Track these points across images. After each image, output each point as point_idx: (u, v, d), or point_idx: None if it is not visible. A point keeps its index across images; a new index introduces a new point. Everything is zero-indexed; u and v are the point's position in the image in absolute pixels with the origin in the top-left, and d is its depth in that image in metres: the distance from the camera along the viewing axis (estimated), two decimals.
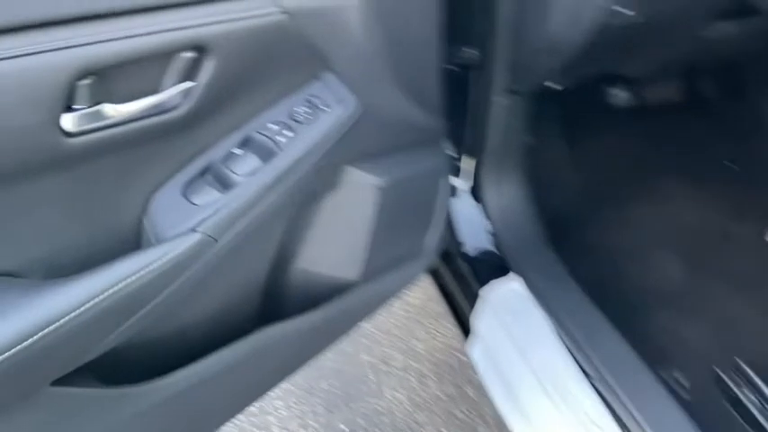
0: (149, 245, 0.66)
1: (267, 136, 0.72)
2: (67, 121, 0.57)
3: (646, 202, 1.29)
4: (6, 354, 0.53)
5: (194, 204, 0.68)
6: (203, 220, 0.67)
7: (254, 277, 0.85)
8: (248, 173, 0.70)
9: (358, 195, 0.87)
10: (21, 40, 0.53)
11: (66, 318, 0.57)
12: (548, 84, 1.00)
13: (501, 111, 1.03)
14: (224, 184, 0.70)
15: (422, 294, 1.64)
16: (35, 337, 0.55)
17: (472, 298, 1.12)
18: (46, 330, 0.55)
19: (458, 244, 1.17)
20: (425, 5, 0.80)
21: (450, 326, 1.55)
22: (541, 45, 0.90)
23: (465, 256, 1.16)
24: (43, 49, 0.54)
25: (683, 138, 1.37)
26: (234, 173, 0.70)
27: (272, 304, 0.88)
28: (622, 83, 1.27)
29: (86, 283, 0.59)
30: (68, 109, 0.57)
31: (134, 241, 0.70)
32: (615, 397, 0.89)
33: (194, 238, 0.66)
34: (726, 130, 1.38)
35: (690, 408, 0.86)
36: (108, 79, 0.59)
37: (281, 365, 0.94)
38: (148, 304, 0.64)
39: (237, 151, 0.71)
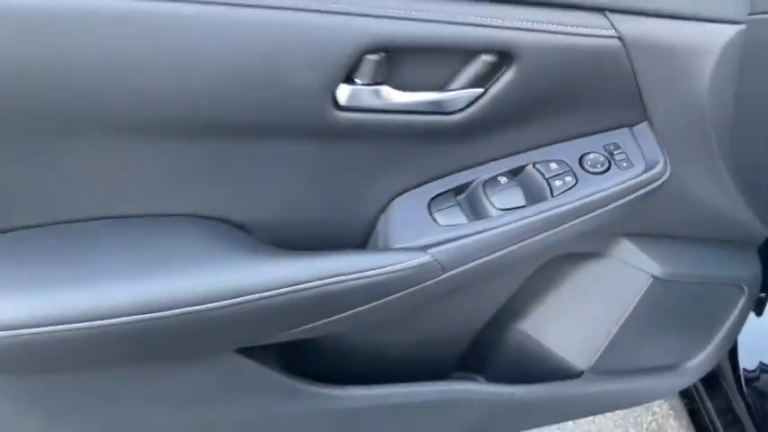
0: (376, 247, 0.61)
1: (543, 174, 0.60)
2: (343, 93, 0.52)
3: None
4: (200, 307, 0.51)
5: (436, 222, 0.60)
6: (438, 244, 0.58)
7: (469, 325, 0.75)
8: (506, 208, 0.59)
9: (624, 276, 0.72)
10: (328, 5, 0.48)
11: (270, 292, 0.53)
12: None
13: None
14: (475, 212, 0.61)
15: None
16: (235, 300, 0.52)
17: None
18: (247, 297, 0.53)
19: (740, 383, 0.95)
20: None
21: None
22: None
23: (747, 396, 0.95)
24: (337, 10, 0.48)
25: None
26: (491, 203, 0.59)
27: (477, 357, 0.80)
28: None
29: (302, 265, 0.55)
30: (347, 80, 0.51)
31: (363, 235, 0.63)
32: None
33: (423, 259, 0.57)
34: None
35: None
36: (395, 60, 0.52)
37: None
38: (352, 309, 0.58)
39: (503, 179, 0.60)
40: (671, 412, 1.19)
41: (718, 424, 0.99)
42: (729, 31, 0.56)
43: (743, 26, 0.56)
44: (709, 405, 1.00)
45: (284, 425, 0.69)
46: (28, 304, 0.49)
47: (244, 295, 0.53)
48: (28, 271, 0.50)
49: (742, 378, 0.97)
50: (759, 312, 0.95)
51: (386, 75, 0.53)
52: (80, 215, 0.53)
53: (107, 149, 0.50)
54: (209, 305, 0.52)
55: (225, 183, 0.56)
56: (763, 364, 0.97)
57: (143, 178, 0.53)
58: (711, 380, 1.00)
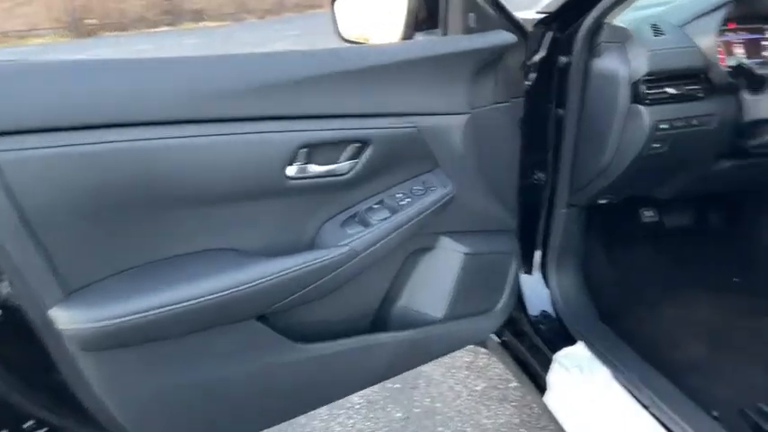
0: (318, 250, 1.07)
1: (394, 200, 1.13)
2: (290, 171, 0.99)
3: (674, 297, 1.71)
4: (231, 290, 0.95)
5: (347, 233, 1.08)
6: (351, 242, 1.06)
7: (373, 296, 1.23)
8: (380, 220, 1.10)
9: (449, 256, 1.26)
10: (279, 125, 0.97)
11: (265, 279, 0.98)
12: (598, 201, 1.45)
13: (562, 219, 1.47)
14: (366, 225, 1.09)
15: (483, 382, 1.97)
16: (247, 285, 0.96)
17: (546, 362, 1.47)
18: (252, 283, 0.96)
19: (530, 320, 1.54)
20: (508, 136, 1.27)
21: (511, 408, 1.86)
22: (597, 170, 1.36)
23: (536, 330, 1.53)
24: (286, 129, 0.97)
25: (699, 254, 1.85)
26: (371, 218, 1.10)
27: (380, 326, 1.26)
28: (651, 206, 1.76)
29: (278, 263, 1.00)
30: (291, 163, 0.99)
31: (310, 246, 1.09)
32: (669, 418, 1.23)
33: (345, 249, 1.06)
34: (730, 251, 1.86)
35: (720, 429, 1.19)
36: (314, 151, 1.01)
37: (382, 368, 1.28)
38: (311, 285, 1.03)
39: (375, 206, 1.11)
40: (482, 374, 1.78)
41: (529, 352, 1.54)
42: (464, 117, 1.16)
43: (469, 114, 1.17)
44: (520, 346, 1.57)
45: (279, 368, 1.09)
46: (146, 302, 0.90)
47: (248, 284, 0.97)
48: (144, 285, 0.92)
49: (531, 320, 1.56)
50: (528, 271, 1.56)
51: (310, 158, 1.02)
52: (160, 255, 0.96)
53: (185, 217, 0.95)
54: (233, 290, 0.95)
55: (234, 229, 1.02)
56: (544, 311, 1.57)
57: (197, 230, 0.98)
58: (516, 330, 1.57)
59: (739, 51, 1.40)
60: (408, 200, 1.13)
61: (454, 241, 1.26)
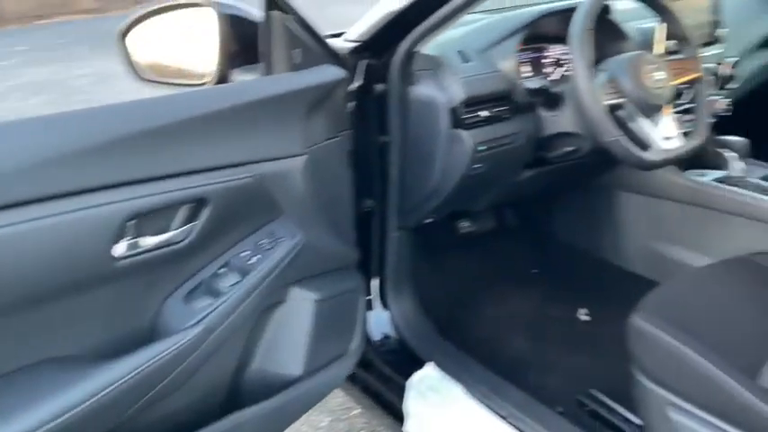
0: (161, 337, 0.91)
1: (242, 259, 1.03)
2: (117, 249, 0.84)
3: (493, 297, 1.83)
4: (62, 416, 0.77)
5: (195, 308, 0.95)
6: (203, 318, 0.94)
7: (227, 368, 1.10)
8: (230, 285, 0.99)
9: (300, 306, 1.18)
10: (97, 198, 0.81)
11: (105, 391, 0.81)
12: (425, 221, 1.47)
13: (394, 243, 1.46)
14: (215, 294, 0.98)
15: (326, 416, 1.91)
16: (82, 405, 0.79)
17: (398, 389, 1.46)
18: (89, 401, 0.79)
19: (375, 349, 1.52)
20: (342, 170, 1.23)
21: None
22: (426, 193, 1.38)
23: (383, 359, 1.51)
24: (107, 201, 0.82)
25: (505, 253, 2.01)
26: (221, 285, 0.99)
27: (236, 398, 1.13)
28: (466, 217, 1.84)
29: (121, 365, 0.84)
30: (118, 241, 0.84)
31: (151, 332, 0.94)
32: (526, 425, 1.30)
33: (197, 330, 0.93)
34: (528, 247, 2.05)
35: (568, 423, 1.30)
36: (144, 221, 0.87)
37: None
38: (162, 382, 0.89)
39: (221, 271, 1.01)
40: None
41: (380, 382, 1.51)
42: (302, 159, 1.09)
43: (306, 155, 1.09)
44: (369, 377, 1.53)
45: None
46: None
47: (83, 402, 0.79)
48: None
49: (376, 349, 1.53)
50: (369, 308, 1.53)
51: (141, 230, 0.87)
52: None
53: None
54: (65, 416, 0.77)
55: (55, 333, 0.82)
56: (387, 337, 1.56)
57: (5, 345, 0.76)
58: (363, 361, 1.53)
59: (527, 69, 1.52)
60: (257, 256, 1.03)
61: (303, 290, 1.18)
